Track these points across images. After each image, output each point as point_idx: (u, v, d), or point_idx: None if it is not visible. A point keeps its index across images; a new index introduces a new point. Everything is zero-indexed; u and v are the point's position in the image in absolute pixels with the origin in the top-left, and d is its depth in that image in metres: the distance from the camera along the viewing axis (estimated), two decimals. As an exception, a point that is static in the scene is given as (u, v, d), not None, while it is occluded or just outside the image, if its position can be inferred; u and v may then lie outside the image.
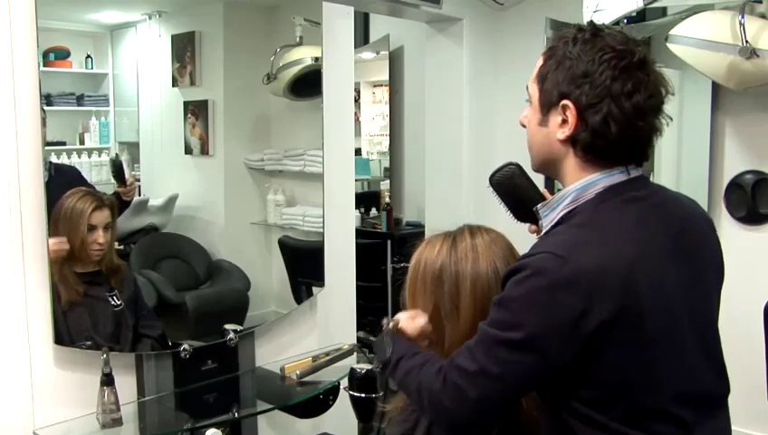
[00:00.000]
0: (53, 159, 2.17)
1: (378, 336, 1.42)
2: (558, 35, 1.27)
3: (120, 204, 2.27)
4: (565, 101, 1.20)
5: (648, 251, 1.17)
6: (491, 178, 1.52)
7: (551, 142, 1.25)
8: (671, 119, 1.26)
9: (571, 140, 1.22)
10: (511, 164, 1.50)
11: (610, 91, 1.17)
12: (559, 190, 1.29)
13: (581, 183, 1.23)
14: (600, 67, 1.18)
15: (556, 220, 1.25)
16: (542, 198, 1.51)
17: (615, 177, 1.22)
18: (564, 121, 1.21)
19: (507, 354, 1.16)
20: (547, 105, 1.24)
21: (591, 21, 1.27)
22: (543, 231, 1.28)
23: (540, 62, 1.28)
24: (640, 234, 1.19)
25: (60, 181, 2.12)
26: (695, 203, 1.37)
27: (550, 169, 1.29)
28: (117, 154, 2.43)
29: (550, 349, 1.13)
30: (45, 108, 2.03)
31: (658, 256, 1.18)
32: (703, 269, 1.27)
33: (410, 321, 1.41)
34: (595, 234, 1.17)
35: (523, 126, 1.33)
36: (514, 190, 1.49)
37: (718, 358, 1.29)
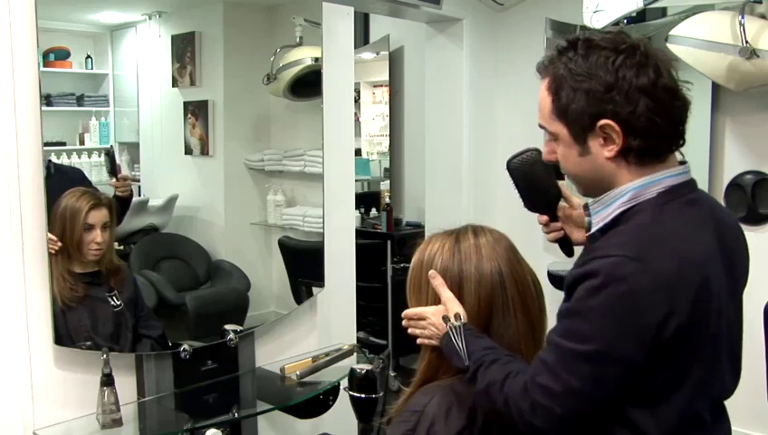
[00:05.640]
0: (54, 159, 2.17)
1: (443, 338, 1.32)
2: (546, 65, 1.23)
3: (119, 203, 2.27)
4: (602, 122, 1.16)
5: (712, 255, 1.17)
6: (509, 162, 1.49)
7: (599, 165, 1.21)
8: (691, 83, 1.23)
9: (622, 153, 1.18)
10: (532, 150, 1.47)
11: (640, 89, 1.15)
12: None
13: (642, 181, 1.19)
14: (618, 73, 1.15)
15: (610, 219, 1.21)
16: (559, 190, 1.49)
17: (679, 176, 1.21)
18: (606, 140, 1.18)
19: (590, 368, 1.13)
20: (582, 135, 1.20)
21: (574, 35, 1.23)
22: (594, 229, 1.25)
23: (547, 98, 1.23)
24: (704, 237, 1.18)
25: (61, 181, 2.12)
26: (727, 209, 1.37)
27: (602, 188, 1.24)
28: (111, 146, 2.43)
29: (633, 357, 1.11)
30: (45, 108, 2.03)
31: (717, 261, 1.18)
32: (738, 275, 1.27)
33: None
34: (667, 235, 1.15)
35: (552, 162, 1.29)
36: (532, 177, 1.47)
37: (739, 363, 1.30)
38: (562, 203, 1.54)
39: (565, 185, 1.53)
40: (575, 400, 1.14)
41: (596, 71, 1.16)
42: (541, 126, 1.28)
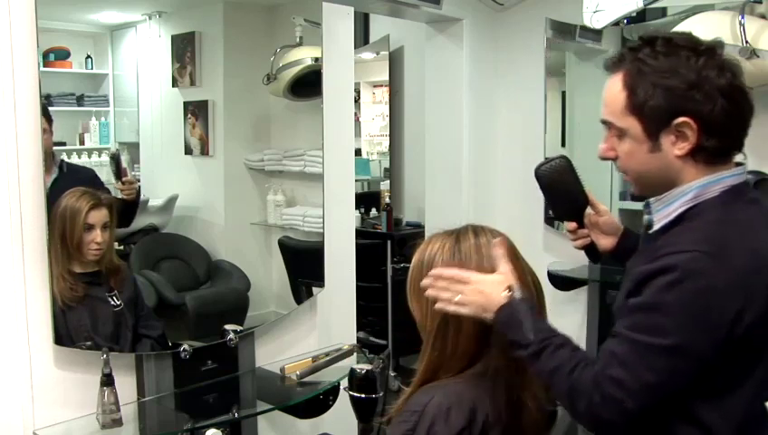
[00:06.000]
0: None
1: (503, 308, 1.26)
2: (617, 61, 1.24)
3: (123, 206, 2.27)
4: (680, 119, 1.18)
5: None
6: (537, 170, 1.49)
7: (668, 162, 1.23)
8: (751, 88, 1.26)
9: (692, 151, 1.21)
10: (560, 157, 1.48)
11: (719, 89, 1.18)
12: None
13: (705, 180, 1.22)
14: (701, 73, 1.17)
15: (674, 216, 1.23)
16: (586, 197, 1.51)
17: (738, 176, 1.24)
18: (678, 137, 1.20)
19: (665, 362, 1.13)
20: (655, 132, 1.21)
21: (648, 33, 1.24)
22: (656, 226, 1.26)
23: (621, 93, 1.23)
24: None
25: (72, 181, 2.12)
26: None
27: (663, 186, 1.25)
28: (117, 149, 2.43)
29: (707, 351, 1.12)
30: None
31: None
32: None
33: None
34: (738, 232, 1.17)
35: (608, 159, 1.29)
36: (560, 185, 1.48)
37: None
38: (589, 210, 1.55)
39: (591, 192, 1.54)
40: (647, 393, 1.15)
41: (679, 68, 1.18)
42: (604, 121, 1.28)
